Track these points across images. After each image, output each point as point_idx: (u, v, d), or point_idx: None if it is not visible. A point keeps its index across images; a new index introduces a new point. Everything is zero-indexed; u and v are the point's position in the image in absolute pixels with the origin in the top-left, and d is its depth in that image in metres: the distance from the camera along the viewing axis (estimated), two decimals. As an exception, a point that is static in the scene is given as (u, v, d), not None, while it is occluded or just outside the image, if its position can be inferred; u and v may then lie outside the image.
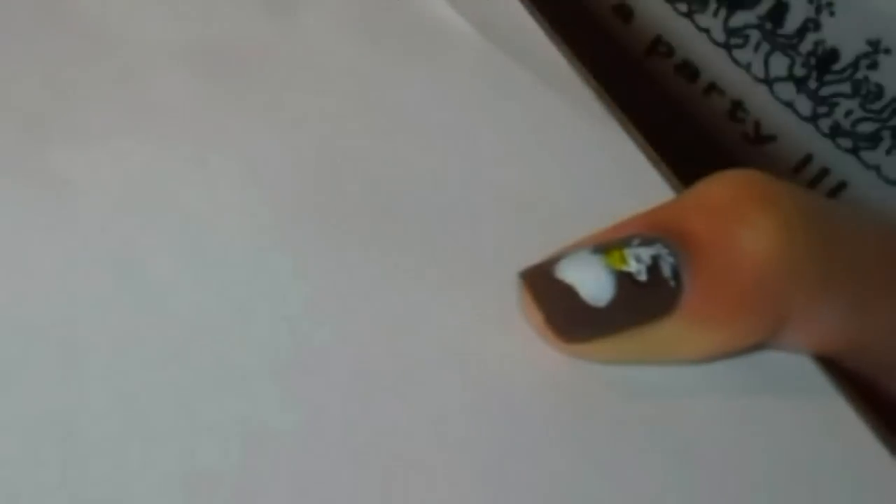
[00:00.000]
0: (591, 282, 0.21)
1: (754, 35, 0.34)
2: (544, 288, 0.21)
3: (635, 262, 0.21)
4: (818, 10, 0.32)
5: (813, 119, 0.34)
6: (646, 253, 0.21)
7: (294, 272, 0.23)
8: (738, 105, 0.34)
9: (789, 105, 0.34)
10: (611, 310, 0.21)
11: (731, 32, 0.34)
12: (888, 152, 0.33)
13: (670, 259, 0.21)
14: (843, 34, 0.32)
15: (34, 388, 0.20)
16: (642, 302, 0.21)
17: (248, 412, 0.21)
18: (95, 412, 0.20)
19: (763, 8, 0.33)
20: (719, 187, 0.22)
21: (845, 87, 0.33)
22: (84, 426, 0.20)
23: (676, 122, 0.36)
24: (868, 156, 0.34)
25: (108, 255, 0.23)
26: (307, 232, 0.24)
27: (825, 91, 0.33)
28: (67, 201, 0.23)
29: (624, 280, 0.21)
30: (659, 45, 0.36)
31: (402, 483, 0.20)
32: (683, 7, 0.34)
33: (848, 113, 0.33)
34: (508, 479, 0.20)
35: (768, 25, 0.33)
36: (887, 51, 0.32)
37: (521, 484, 0.20)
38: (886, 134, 0.33)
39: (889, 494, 0.21)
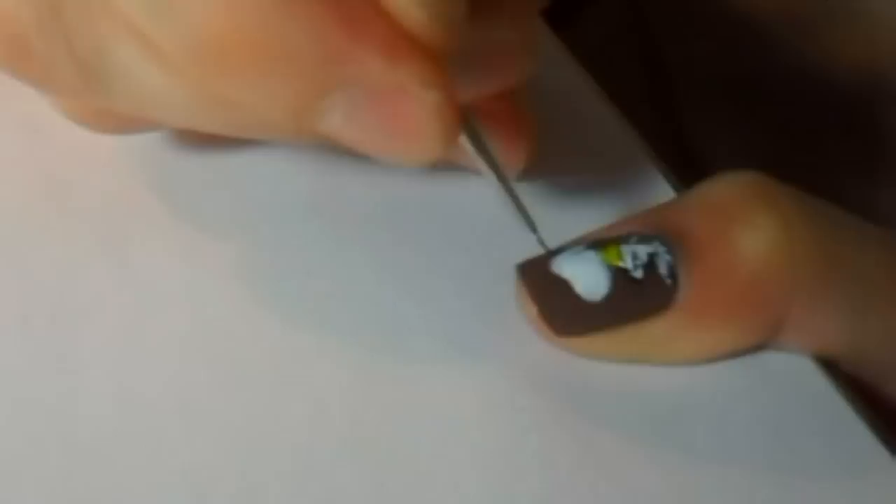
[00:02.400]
0: (587, 277, 0.21)
1: None
2: (540, 281, 0.21)
3: (631, 259, 0.21)
4: None
5: None
6: (643, 250, 0.21)
7: (294, 269, 0.23)
8: None
9: None
10: (605, 305, 0.21)
11: None
12: None
13: (667, 257, 0.21)
14: None
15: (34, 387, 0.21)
16: (637, 299, 0.21)
17: (248, 411, 0.21)
18: (96, 412, 0.20)
19: None
20: (721, 188, 0.22)
21: None
22: (84, 426, 0.20)
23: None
24: None
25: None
26: (307, 233, 0.24)
27: None
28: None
29: (619, 276, 0.21)
30: None
31: (401, 482, 0.20)
32: None
33: None
34: (508, 479, 0.20)
35: None
36: None
37: (521, 483, 0.20)
38: None
39: (889, 494, 0.21)
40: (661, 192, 0.25)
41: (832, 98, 0.33)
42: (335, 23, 0.16)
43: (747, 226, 0.21)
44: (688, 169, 0.36)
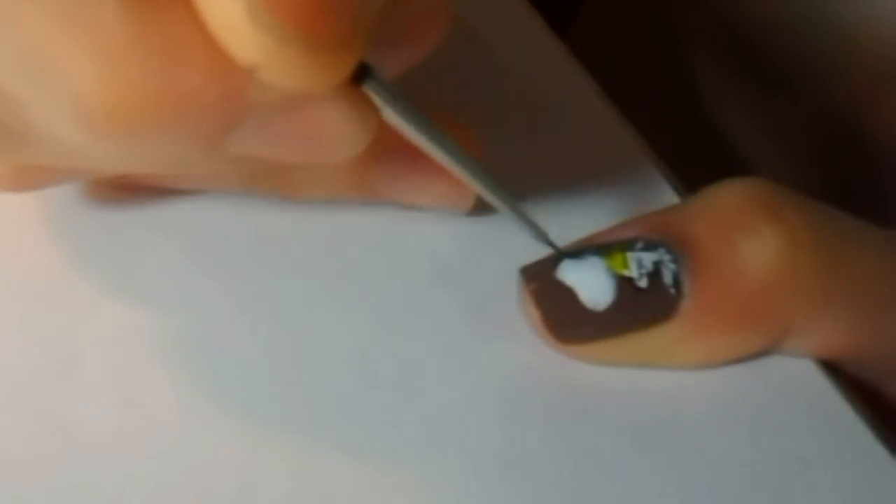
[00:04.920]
0: (592, 285, 0.21)
1: None
2: (544, 287, 0.21)
3: (637, 267, 0.21)
4: None
5: None
6: (648, 258, 0.21)
7: (294, 270, 0.23)
8: None
9: None
10: (609, 314, 0.21)
11: None
12: None
13: (672, 266, 0.21)
14: None
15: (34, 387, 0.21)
16: (641, 308, 0.21)
17: (248, 411, 0.21)
18: (95, 412, 0.20)
19: None
20: (726, 195, 0.22)
21: None
22: (84, 426, 0.20)
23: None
24: None
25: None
26: (308, 236, 0.24)
27: None
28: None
29: (624, 285, 0.21)
30: None
31: (401, 482, 0.20)
32: None
33: None
34: (507, 479, 0.20)
35: None
36: None
37: (521, 483, 0.20)
38: None
39: (889, 494, 0.21)
40: (662, 192, 0.25)
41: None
42: (222, 63, 0.16)
43: (752, 237, 0.21)
44: (711, 148, 0.36)
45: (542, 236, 0.22)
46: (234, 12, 0.15)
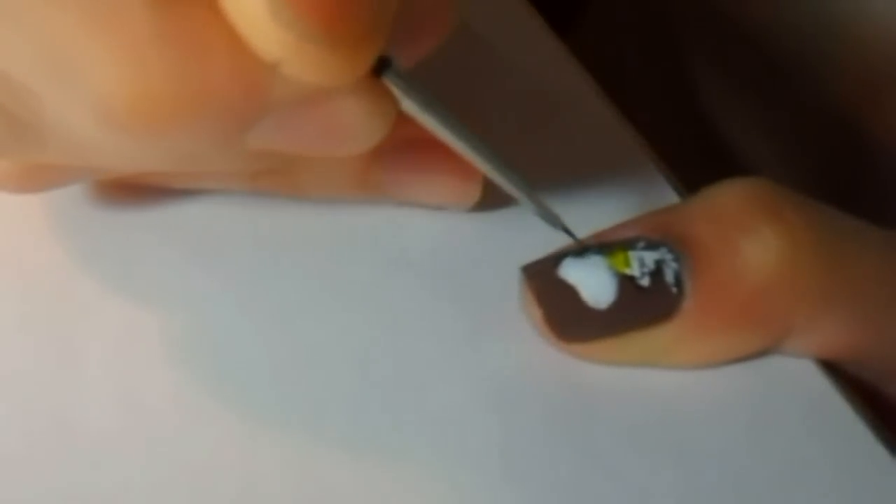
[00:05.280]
0: (594, 283, 0.21)
1: None
2: (546, 286, 0.21)
3: (639, 266, 0.21)
4: None
5: None
6: (650, 257, 0.21)
7: (294, 269, 0.23)
8: None
9: None
10: (611, 312, 0.21)
11: None
12: None
13: (674, 265, 0.21)
14: None
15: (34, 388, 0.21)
16: (643, 306, 0.21)
17: (249, 410, 0.21)
18: (96, 411, 0.20)
19: None
20: (727, 195, 0.22)
21: None
22: (84, 425, 0.20)
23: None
24: None
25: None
26: (308, 236, 0.24)
27: None
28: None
29: (626, 283, 0.21)
30: None
31: (401, 482, 0.20)
32: None
33: None
34: (508, 480, 0.20)
35: None
36: None
37: (521, 484, 0.20)
38: None
39: (889, 494, 0.21)
40: (662, 192, 0.25)
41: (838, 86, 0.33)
42: (245, 59, 0.16)
43: (752, 237, 0.21)
44: (711, 148, 0.36)
45: (557, 223, 0.22)
46: (256, 9, 0.15)
